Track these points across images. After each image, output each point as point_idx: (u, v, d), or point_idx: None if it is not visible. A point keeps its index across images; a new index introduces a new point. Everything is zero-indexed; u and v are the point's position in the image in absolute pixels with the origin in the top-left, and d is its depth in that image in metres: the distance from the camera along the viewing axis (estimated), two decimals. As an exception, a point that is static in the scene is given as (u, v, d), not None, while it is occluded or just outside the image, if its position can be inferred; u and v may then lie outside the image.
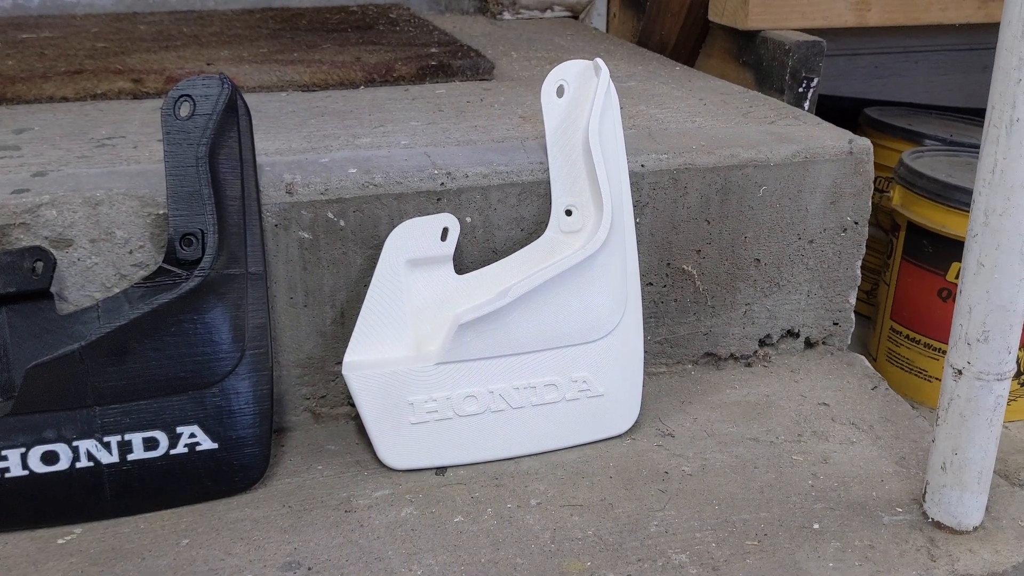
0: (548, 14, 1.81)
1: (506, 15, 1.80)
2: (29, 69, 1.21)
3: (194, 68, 1.22)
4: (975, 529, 0.79)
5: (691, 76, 1.34)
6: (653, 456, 0.89)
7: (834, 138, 1.02)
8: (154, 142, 0.98)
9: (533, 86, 1.25)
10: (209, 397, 0.81)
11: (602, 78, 0.90)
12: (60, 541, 0.77)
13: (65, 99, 1.15)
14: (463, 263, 0.92)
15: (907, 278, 1.20)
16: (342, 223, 0.88)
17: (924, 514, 0.81)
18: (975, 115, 1.45)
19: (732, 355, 1.05)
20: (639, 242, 0.95)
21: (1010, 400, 1.15)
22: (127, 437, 0.79)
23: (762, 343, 1.06)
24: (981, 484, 0.78)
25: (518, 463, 0.88)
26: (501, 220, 0.93)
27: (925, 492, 0.81)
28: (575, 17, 1.82)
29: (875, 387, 1.02)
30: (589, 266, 0.87)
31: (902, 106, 1.57)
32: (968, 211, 1.07)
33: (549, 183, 0.92)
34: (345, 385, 0.86)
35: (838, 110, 1.37)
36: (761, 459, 0.89)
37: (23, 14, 1.64)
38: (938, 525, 0.80)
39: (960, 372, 0.75)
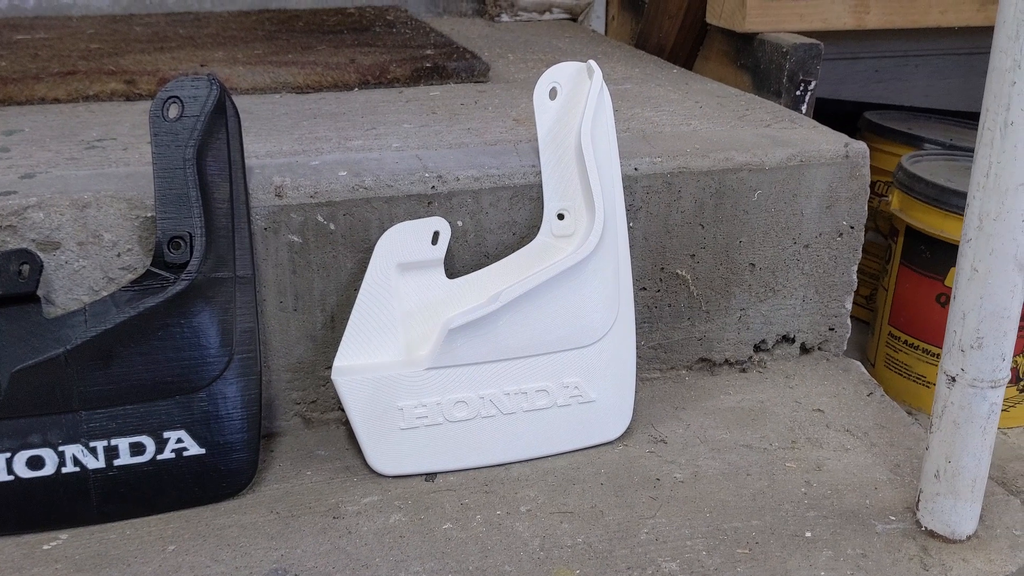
0: (547, 16, 1.81)
1: (504, 17, 1.79)
2: (22, 70, 1.21)
3: (188, 70, 1.21)
4: (968, 538, 0.78)
5: (688, 79, 1.33)
6: (645, 463, 0.88)
7: (830, 142, 1.01)
8: (144, 144, 0.97)
9: (528, 88, 1.24)
10: (196, 402, 0.80)
11: (595, 80, 0.89)
12: (45, 547, 0.76)
13: (57, 100, 1.15)
14: (454, 267, 0.92)
15: (905, 283, 1.19)
16: (332, 226, 0.87)
17: (917, 523, 0.80)
18: (975, 120, 1.44)
19: (727, 361, 1.05)
20: (632, 246, 0.95)
21: (1009, 406, 1.15)
22: (113, 442, 0.78)
23: (757, 348, 1.05)
24: (975, 493, 0.77)
25: (508, 469, 0.87)
26: (493, 224, 0.92)
27: (919, 500, 0.80)
28: (574, 19, 1.81)
29: (871, 393, 1.01)
30: (581, 271, 0.86)
31: (902, 110, 1.56)
32: (966, 216, 1.07)
33: (541, 187, 0.91)
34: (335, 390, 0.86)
35: (838, 114, 1.36)
36: (754, 466, 0.88)
37: (19, 15, 1.63)
38: (931, 534, 0.79)
39: (954, 379, 0.74)
